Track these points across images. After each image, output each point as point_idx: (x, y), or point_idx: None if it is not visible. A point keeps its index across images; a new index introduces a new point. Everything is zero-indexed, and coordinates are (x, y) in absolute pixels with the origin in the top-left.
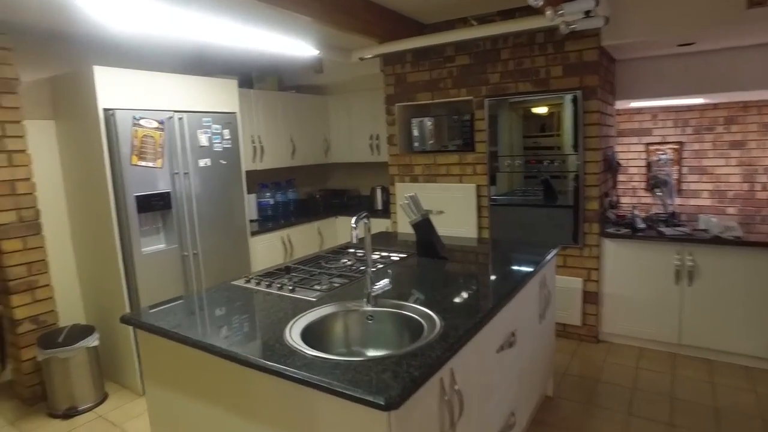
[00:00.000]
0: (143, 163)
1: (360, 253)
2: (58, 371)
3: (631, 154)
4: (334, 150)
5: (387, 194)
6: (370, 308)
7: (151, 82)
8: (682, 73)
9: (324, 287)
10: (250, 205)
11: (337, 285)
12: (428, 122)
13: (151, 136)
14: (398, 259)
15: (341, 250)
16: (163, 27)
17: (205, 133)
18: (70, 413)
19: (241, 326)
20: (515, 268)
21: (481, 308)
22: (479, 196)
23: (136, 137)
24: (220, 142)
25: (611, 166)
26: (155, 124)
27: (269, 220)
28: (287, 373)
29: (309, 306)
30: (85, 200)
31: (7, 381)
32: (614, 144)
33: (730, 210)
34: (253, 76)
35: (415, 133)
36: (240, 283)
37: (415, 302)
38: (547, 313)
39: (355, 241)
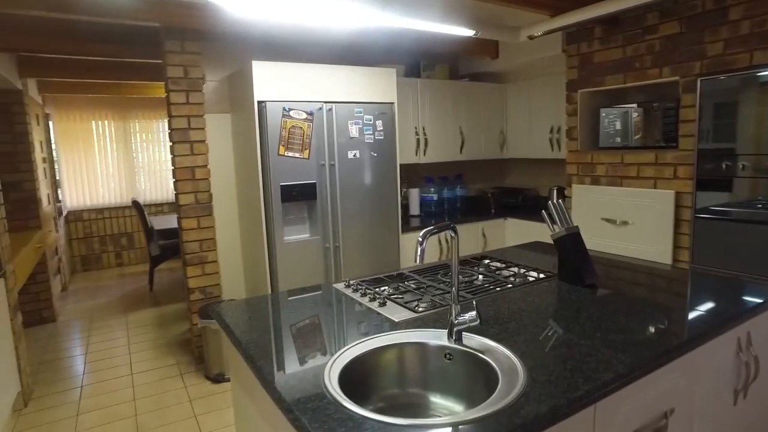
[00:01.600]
0: (290, 154)
1: (500, 265)
2: (211, 340)
3: None
4: (511, 144)
5: (563, 196)
6: (450, 344)
7: (302, 73)
8: None
9: (423, 306)
10: (412, 200)
11: (438, 305)
12: (618, 112)
13: (300, 127)
14: (532, 280)
15: (481, 260)
16: (315, 16)
17: (356, 124)
18: (218, 378)
19: (290, 346)
20: (698, 313)
21: (597, 373)
22: (678, 207)
23: (285, 128)
24: (371, 134)
25: None
26: (304, 116)
27: (432, 216)
28: None
29: (385, 328)
30: (246, 187)
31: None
32: None
33: None
34: (421, 65)
35: (605, 125)
36: (340, 286)
37: (509, 344)
38: (751, 390)
39: (418, 262)
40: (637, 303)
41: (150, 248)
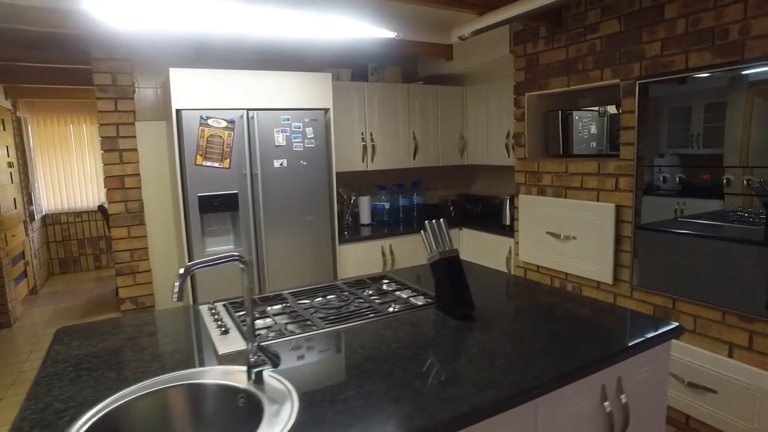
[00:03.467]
0: (208, 164)
1: (394, 287)
2: None
3: None
4: (471, 150)
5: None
6: (249, 386)
7: (223, 80)
8: None
9: (271, 335)
10: (363, 209)
11: (287, 334)
12: (565, 117)
13: (219, 136)
14: (416, 306)
15: (379, 280)
16: (230, 24)
17: (283, 131)
18: None
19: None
20: (559, 354)
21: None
22: (619, 221)
23: (202, 137)
24: (300, 141)
25: None
26: (224, 124)
27: (385, 225)
28: None
29: (205, 363)
30: (174, 197)
31: None
32: None
33: None
34: (369, 68)
35: (551, 131)
36: (204, 308)
37: (300, 382)
38: None
39: (176, 299)
40: (501, 340)
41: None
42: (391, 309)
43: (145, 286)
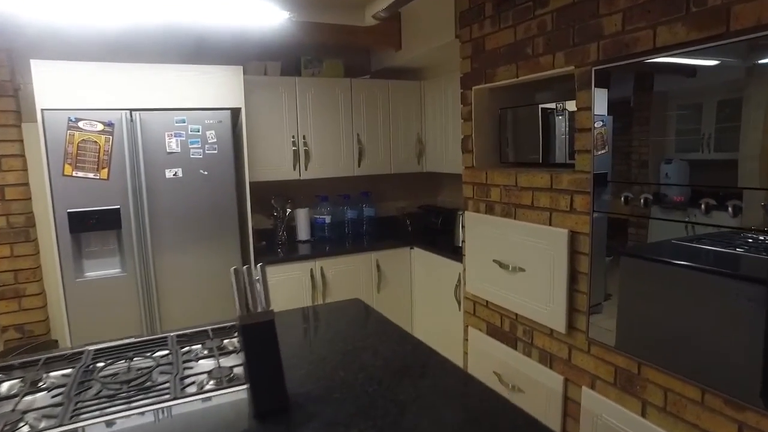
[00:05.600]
0: (80, 174)
1: (205, 352)
2: None
3: None
4: (430, 155)
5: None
6: None
7: (99, 74)
8: None
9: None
10: (300, 223)
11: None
12: (518, 116)
13: (94, 141)
14: (225, 385)
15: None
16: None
17: (177, 136)
18: None
19: None
20: None
21: None
22: (574, 252)
23: (72, 143)
24: (200, 147)
25: None
26: (99, 127)
27: (327, 242)
28: None
29: None
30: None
31: None
32: None
33: None
34: (303, 61)
35: (502, 133)
36: None
37: None
38: None
39: None
40: None
41: None
42: (193, 389)
43: (34, 311)
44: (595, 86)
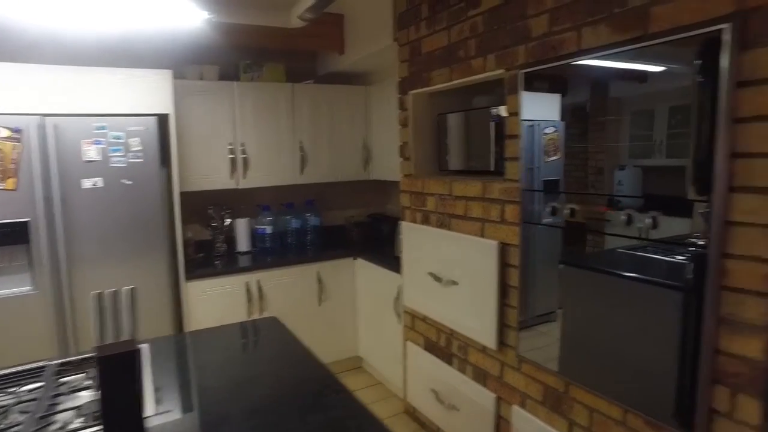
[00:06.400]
0: None
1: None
2: None
3: None
4: (377, 162)
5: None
6: None
7: (6, 76)
8: None
9: None
10: (239, 234)
11: None
12: (454, 121)
13: None
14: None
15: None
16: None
17: (96, 143)
18: None
19: None
20: None
21: None
22: (505, 265)
23: None
24: (122, 156)
25: None
26: (5, 133)
27: (269, 253)
28: None
29: None
30: None
31: None
32: None
33: None
34: (241, 65)
35: (439, 140)
36: None
37: None
38: None
39: None
40: None
41: None
42: (54, 428)
43: None
44: (523, 90)
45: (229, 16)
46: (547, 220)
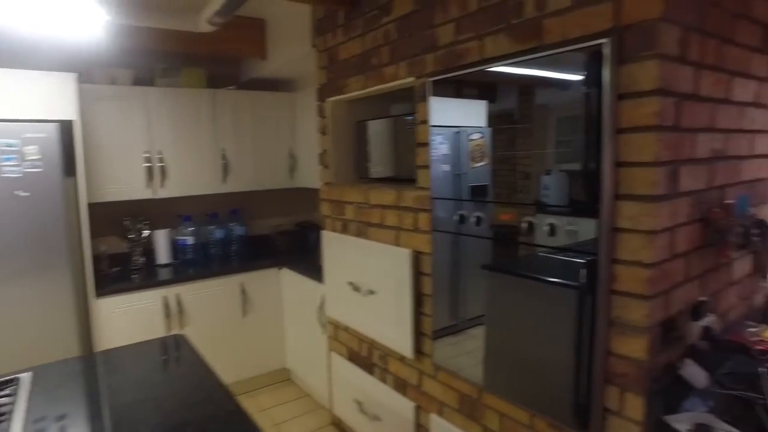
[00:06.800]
0: None
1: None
2: None
3: None
4: (303, 169)
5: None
6: None
7: None
8: None
9: None
10: (159, 246)
11: None
12: (373, 129)
13: None
14: None
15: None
16: None
17: None
18: None
19: None
20: None
21: None
22: (419, 274)
23: None
24: (16, 165)
25: (720, 236)
26: None
27: (191, 264)
28: None
29: None
30: None
31: None
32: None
33: None
34: (158, 70)
35: (357, 147)
36: None
37: None
38: None
39: None
40: None
41: None
42: None
43: None
44: (432, 97)
45: (134, 18)
46: (467, 227)
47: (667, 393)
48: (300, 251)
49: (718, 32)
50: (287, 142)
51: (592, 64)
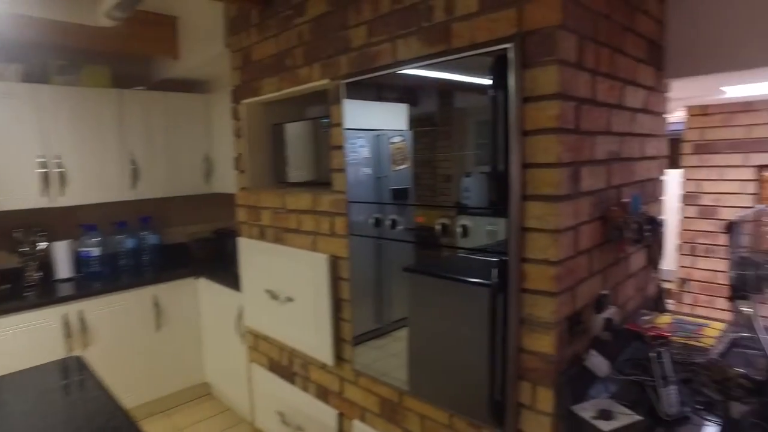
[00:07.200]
0: None
1: None
2: None
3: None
4: (220, 174)
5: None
6: None
7: None
8: None
9: None
10: (59, 258)
11: None
12: (290, 133)
13: None
14: None
15: None
16: None
17: None
18: None
19: None
20: None
21: None
22: (337, 279)
23: None
24: None
25: (619, 233)
26: None
27: (97, 278)
28: None
29: None
30: None
31: None
32: (656, 177)
33: None
34: (55, 66)
35: (274, 151)
36: None
37: None
38: None
39: None
40: None
41: None
42: None
43: None
44: (347, 99)
45: (24, 7)
46: (383, 230)
47: (574, 383)
48: (218, 259)
49: (610, 42)
50: (202, 146)
51: (499, 68)
